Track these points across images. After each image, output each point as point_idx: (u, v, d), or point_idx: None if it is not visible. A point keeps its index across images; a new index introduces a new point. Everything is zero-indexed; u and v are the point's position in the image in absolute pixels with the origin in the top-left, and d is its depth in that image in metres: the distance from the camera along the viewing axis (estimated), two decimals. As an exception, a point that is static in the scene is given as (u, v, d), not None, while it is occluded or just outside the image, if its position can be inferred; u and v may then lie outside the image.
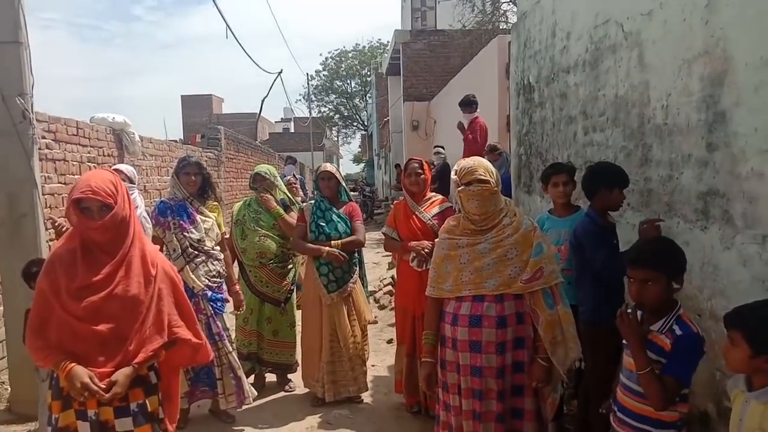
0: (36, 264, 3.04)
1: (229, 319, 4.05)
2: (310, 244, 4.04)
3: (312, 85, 37.77)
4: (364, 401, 4.25)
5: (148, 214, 4.42)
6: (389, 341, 5.53)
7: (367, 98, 37.16)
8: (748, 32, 2.42)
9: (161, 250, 3.23)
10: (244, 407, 3.97)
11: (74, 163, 5.76)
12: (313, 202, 4.21)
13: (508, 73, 6.75)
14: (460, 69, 11.74)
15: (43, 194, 4.32)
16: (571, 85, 4.27)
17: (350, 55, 38.75)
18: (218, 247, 3.89)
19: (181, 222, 3.72)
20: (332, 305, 4.04)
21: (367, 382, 4.30)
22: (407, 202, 3.90)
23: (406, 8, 19.11)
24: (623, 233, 3.14)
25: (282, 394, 4.48)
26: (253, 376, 4.46)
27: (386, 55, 20.37)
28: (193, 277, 3.66)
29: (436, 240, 2.88)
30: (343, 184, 4.27)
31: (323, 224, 4.06)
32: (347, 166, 61.31)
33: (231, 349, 3.86)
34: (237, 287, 4.11)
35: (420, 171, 3.86)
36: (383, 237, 4.10)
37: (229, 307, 4.05)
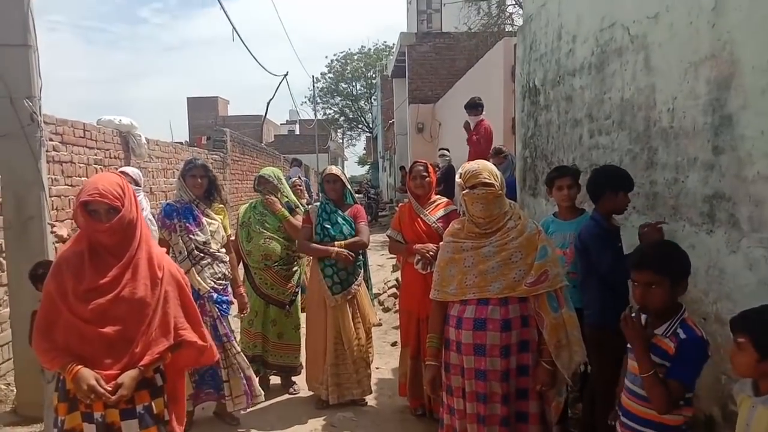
0: (43, 266, 3.06)
1: (233, 322, 4.05)
2: (317, 245, 4.05)
3: (317, 87, 37.89)
4: (368, 404, 4.25)
5: (154, 217, 4.44)
6: (393, 344, 5.53)
7: (373, 101, 37.25)
8: (755, 35, 2.41)
9: (167, 252, 3.24)
10: (249, 410, 3.97)
11: (81, 165, 5.80)
12: (318, 204, 4.23)
13: (513, 76, 6.77)
14: (465, 71, 11.76)
15: (50, 196, 4.34)
16: (577, 88, 4.27)
17: (355, 57, 38.83)
18: (224, 250, 3.90)
19: (187, 224, 3.73)
20: (337, 307, 4.04)
21: (372, 384, 4.30)
22: (412, 204, 3.90)
23: (412, 10, 19.13)
24: (628, 236, 3.13)
25: (286, 396, 4.49)
26: (257, 379, 4.45)
27: (392, 57, 20.41)
28: (199, 279, 3.67)
29: (440, 243, 2.88)
30: (349, 187, 4.28)
31: (329, 226, 4.07)
32: (352, 169, 61.39)
33: (239, 350, 3.87)
34: (242, 290, 4.12)
35: (425, 174, 3.87)
36: (388, 239, 4.10)
37: (234, 309, 4.07)
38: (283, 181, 4.58)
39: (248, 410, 3.98)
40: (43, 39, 3.82)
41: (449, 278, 2.67)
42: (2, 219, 4.12)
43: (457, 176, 2.74)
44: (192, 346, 2.30)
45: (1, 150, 3.92)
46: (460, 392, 2.63)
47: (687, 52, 2.87)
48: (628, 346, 2.19)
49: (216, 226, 3.85)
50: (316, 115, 36.53)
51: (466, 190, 2.61)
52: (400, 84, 18.38)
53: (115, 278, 2.13)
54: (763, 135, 2.38)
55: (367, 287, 4.38)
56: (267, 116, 26.71)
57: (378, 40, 60.22)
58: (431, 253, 3.58)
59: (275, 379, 4.63)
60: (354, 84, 39.87)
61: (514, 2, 12.70)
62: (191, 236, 3.71)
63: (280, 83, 22.25)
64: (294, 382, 4.58)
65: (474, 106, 7.39)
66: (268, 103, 30.08)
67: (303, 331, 4.49)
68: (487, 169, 2.65)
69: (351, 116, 42.13)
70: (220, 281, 3.80)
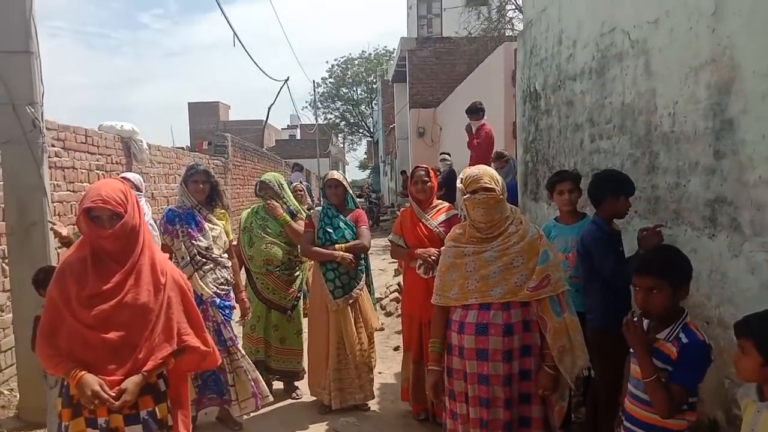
0: (45, 271, 3.07)
1: (236, 328, 4.05)
2: (321, 249, 4.06)
3: (318, 92, 37.91)
4: (371, 409, 4.25)
5: (155, 222, 4.45)
6: (396, 348, 5.53)
7: (373, 105, 37.29)
8: (755, 40, 2.42)
9: (170, 258, 3.25)
10: (252, 414, 3.98)
11: (83, 171, 5.81)
12: (320, 208, 4.23)
13: (514, 81, 6.78)
14: (466, 76, 11.78)
15: (52, 202, 4.35)
16: (578, 92, 4.28)
17: (356, 62, 38.86)
18: (226, 255, 3.91)
19: (190, 230, 3.74)
20: (339, 312, 4.05)
21: (374, 389, 4.30)
22: (414, 209, 3.91)
23: (412, 16, 19.17)
24: (630, 241, 3.14)
25: (289, 401, 4.48)
26: (260, 384, 4.46)
27: (392, 62, 20.45)
28: (201, 284, 3.68)
29: (442, 248, 2.89)
30: (350, 192, 4.29)
31: (330, 231, 4.08)
32: (353, 173, 61.46)
33: (244, 353, 3.89)
34: (244, 295, 4.13)
35: (426, 179, 3.87)
36: (390, 244, 4.10)
37: (236, 315, 4.07)
38: (285, 186, 4.58)
39: (251, 415, 3.98)
40: (44, 45, 3.83)
41: (451, 283, 2.67)
42: (5, 225, 4.13)
43: (458, 181, 2.75)
44: (195, 351, 2.31)
45: (3, 156, 3.94)
46: (462, 397, 2.63)
47: (687, 57, 2.88)
48: (631, 350, 2.20)
49: (218, 232, 3.86)
50: (317, 120, 36.61)
51: (467, 195, 2.62)
52: (401, 88, 18.43)
53: (118, 284, 2.13)
54: (764, 139, 2.38)
55: (369, 291, 4.38)
56: (268, 121, 26.75)
57: (378, 45, 60.22)
58: (433, 257, 3.58)
59: (278, 384, 4.62)
60: (355, 89, 39.91)
61: (514, 7, 12.73)
62: (194, 242, 3.72)
63: (281, 88, 22.29)
64: (296, 387, 4.58)
65: (475, 111, 7.41)
66: (269, 108, 30.23)
67: (305, 336, 4.49)
68: (488, 174, 2.66)
69: (352, 121, 42.17)
70: (223, 286, 3.81)
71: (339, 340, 4.06)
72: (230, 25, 12.10)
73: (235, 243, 4.27)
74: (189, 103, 47.19)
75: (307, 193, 7.20)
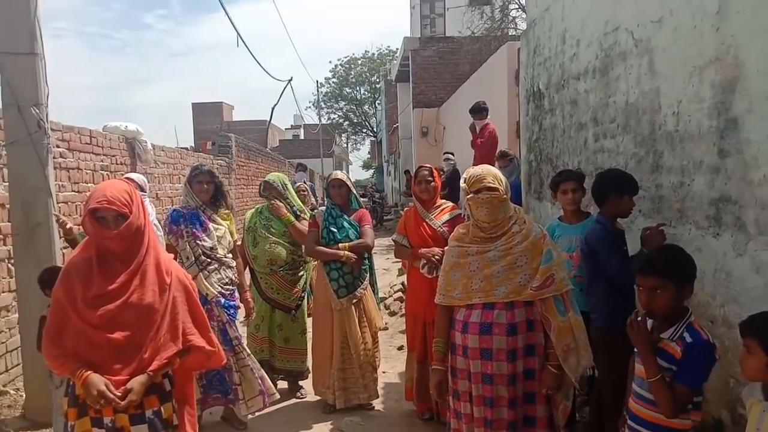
0: (51, 272, 3.08)
1: (240, 328, 4.07)
2: (325, 249, 4.06)
3: (321, 92, 37.95)
4: (375, 408, 4.25)
5: (160, 222, 4.47)
6: (400, 348, 5.53)
7: (377, 105, 37.25)
8: (760, 39, 2.42)
9: (175, 258, 3.26)
10: (256, 414, 3.99)
11: (88, 171, 5.83)
12: (324, 208, 4.24)
13: (517, 80, 6.77)
14: (469, 76, 11.76)
15: (57, 203, 4.37)
16: (581, 91, 4.28)
17: (359, 62, 38.86)
18: (230, 255, 3.92)
19: (194, 230, 3.75)
20: (343, 311, 4.05)
21: (378, 389, 4.31)
22: (417, 209, 3.91)
23: (415, 15, 19.18)
24: (634, 240, 3.14)
25: (293, 401, 4.49)
26: (265, 383, 4.48)
27: (395, 62, 20.43)
28: (206, 284, 3.69)
29: (446, 247, 2.89)
30: (354, 192, 4.30)
31: (334, 230, 4.09)
32: (356, 173, 61.48)
33: (249, 352, 3.90)
34: (248, 295, 4.14)
35: (430, 179, 3.87)
36: (393, 243, 4.10)
37: (240, 314, 4.08)
38: (289, 186, 4.59)
39: (255, 414, 3.99)
40: (48, 46, 3.85)
41: (454, 282, 2.68)
42: (10, 225, 4.15)
43: (461, 181, 2.74)
44: (200, 351, 2.31)
45: (9, 157, 3.96)
46: (467, 396, 2.63)
47: (691, 56, 2.88)
48: (635, 350, 2.19)
49: (222, 232, 3.87)
50: (320, 120, 36.66)
51: (471, 195, 2.62)
52: (404, 88, 18.43)
53: (124, 284, 2.14)
54: (769, 138, 2.38)
55: (373, 291, 4.39)
56: (272, 121, 26.82)
57: (382, 44, 60.31)
58: (437, 257, 3.59)
59: (282, 384, 4.63)
60: (358, 88, 39.91)
61: (517, 6, 12.71)
62: (198, 242, 3.74)
63: (285, 88, 22.39)
64: (301, 387, 4.59)
65: (479, 110, 7.41)
66: (273, 108, 30.22)
67: (309, 335, 4.50)
68: (491, 173, 2.66)
69: (355, 121, 42.18)
70: (227, 286, 3.82)
71: (343, 340, 4.07)
72: (234, 26, 12.15)
73: (239, 243, 4.29)
74: (193, 104, 47.23)
75: (310, 193, 7.20)
